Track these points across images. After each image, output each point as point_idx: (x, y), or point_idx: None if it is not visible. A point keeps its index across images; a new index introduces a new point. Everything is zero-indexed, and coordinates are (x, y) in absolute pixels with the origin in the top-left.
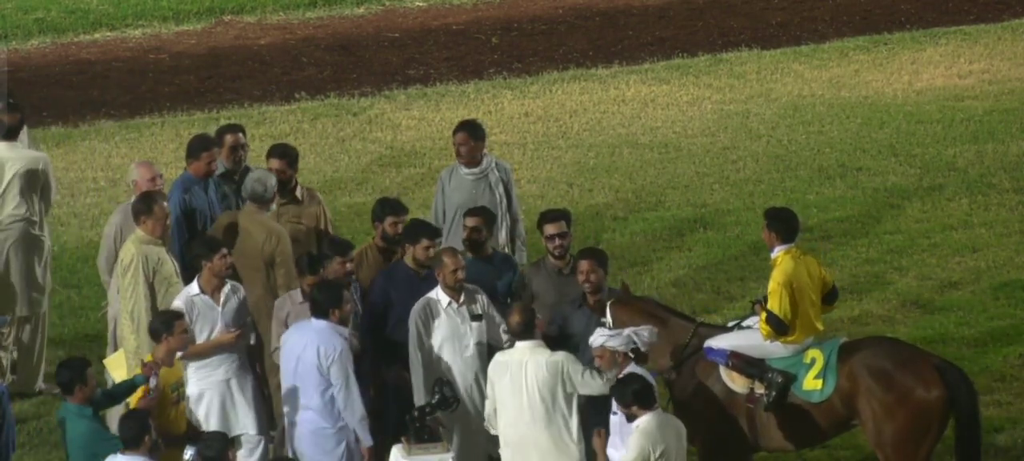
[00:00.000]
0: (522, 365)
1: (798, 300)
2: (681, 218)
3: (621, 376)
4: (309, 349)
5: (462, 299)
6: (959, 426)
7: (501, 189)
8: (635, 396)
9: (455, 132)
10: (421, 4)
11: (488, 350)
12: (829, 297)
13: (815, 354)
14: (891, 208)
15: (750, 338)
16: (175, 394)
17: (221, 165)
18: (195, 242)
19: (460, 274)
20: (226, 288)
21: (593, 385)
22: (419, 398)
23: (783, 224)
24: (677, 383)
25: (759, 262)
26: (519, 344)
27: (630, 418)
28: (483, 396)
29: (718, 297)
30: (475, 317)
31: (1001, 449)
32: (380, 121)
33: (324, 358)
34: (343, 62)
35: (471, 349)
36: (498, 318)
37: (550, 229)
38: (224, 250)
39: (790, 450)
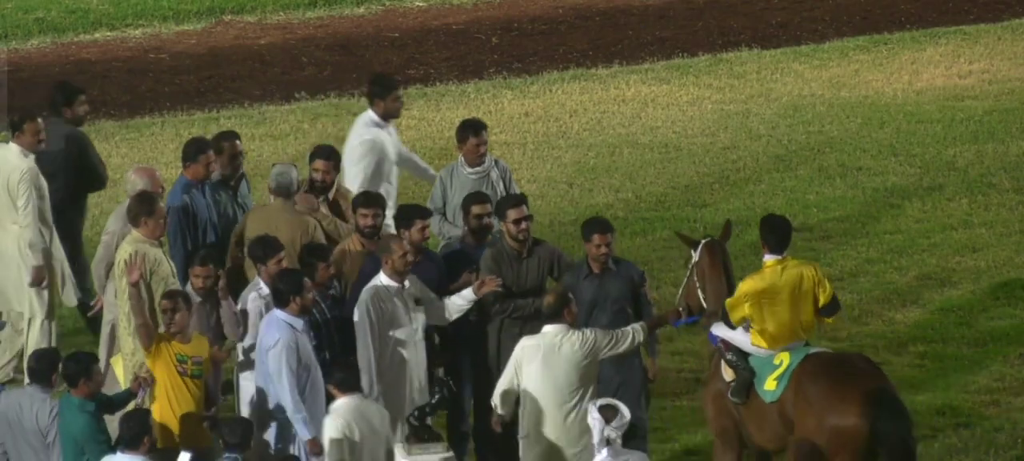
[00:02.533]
0: (555, 347)
1: (774, 310)
2: (681, 218)
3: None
4: (262, 336)
5: (407, 284)
6: (887, 458)
7: (501, 187)
8: (338, 383)
9: (469, 134)
10: (421, 4)
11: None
12: (828, 308)
13: (784, 357)
14: (891, 208)
15: (744, 333)
16: (183, 367)
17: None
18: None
19: (409, 257)
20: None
21: (626, 342)
22: (366, 382)
23: (773, 234)
24: (709, 368)
25: (759, 262)
26: (549, 327)
27: (329, 399)
28: (429, 381)
29: None
30: (417, 301)
31: (1001, 449)
32: None
33: (263, 347)
34: (343, 62)
35: (420, 333)
36: (436, 298)
37: (513, 214)
38: (282, 253)
39: (766, 450)
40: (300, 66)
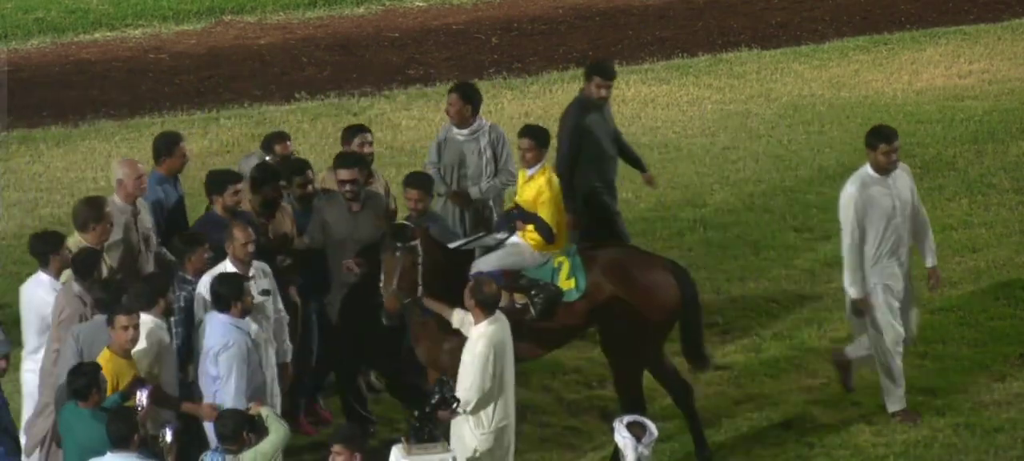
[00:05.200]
0: (507, 335)
1: (561, 214)
2: (681, 218)
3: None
4: (207, 337)
5: (251, 274)
6: (686, 315)
7: (490, 153)
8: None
9: (448, 92)
10: (421, 4)
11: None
12: None
13: (561, 259)
14: None
15: (508, 254)
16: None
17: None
18: (176, 237)
19: (250, 248)
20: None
21: None
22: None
23: (543, 141)
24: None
25: (759, 262)
26: (491, 318)
27: None
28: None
29: (718, 297)
30: (264, 292)
31: (1001, 449)
32: (380, 121)
33: (210, 348)
34: (343, 62)
35: (264, 324)
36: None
37: (343, 173)
38: (207, 244)
39: (539, 355)
40: (300, 66)
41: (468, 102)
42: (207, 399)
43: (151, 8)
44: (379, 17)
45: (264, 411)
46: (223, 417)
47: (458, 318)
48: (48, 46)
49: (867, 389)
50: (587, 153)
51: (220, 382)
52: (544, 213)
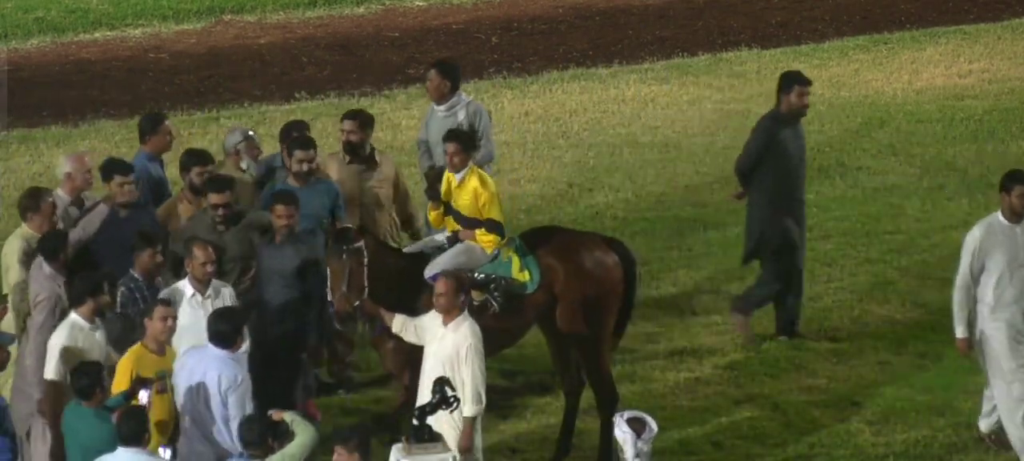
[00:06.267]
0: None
1: (501, 203)
2: (681, 218)
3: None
4: (210, 375)
5: (207, 292)
6: (625, 288)
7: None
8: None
9: (428, 69)
10: (421, 4)
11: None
12: None
13: (508, 253)
14: (891, 208)
15: (458, 254)
16: (159, 384)
17: (280, 159)
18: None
19: (209, 268)
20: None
21: None
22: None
23: (470, 145)
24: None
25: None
26: (463, 314)
27: None
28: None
29: (718, 297)
30: None
31: (1001, 449)
32: (380, 121)
33: (219, 387)
34: (343, 62)
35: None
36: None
37: (214, 198)
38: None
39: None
40: (300, 66)
41: (446, 78)
42: (194, 433)
43: (151, 8)
44: (379, 17)
45: (288, 416)
46: (248, 423)
47: (399, 323)
48: (48, 46)
49: (867, 389)
50: (776, 170)
51: (232, 422)
52: (491, 212)
